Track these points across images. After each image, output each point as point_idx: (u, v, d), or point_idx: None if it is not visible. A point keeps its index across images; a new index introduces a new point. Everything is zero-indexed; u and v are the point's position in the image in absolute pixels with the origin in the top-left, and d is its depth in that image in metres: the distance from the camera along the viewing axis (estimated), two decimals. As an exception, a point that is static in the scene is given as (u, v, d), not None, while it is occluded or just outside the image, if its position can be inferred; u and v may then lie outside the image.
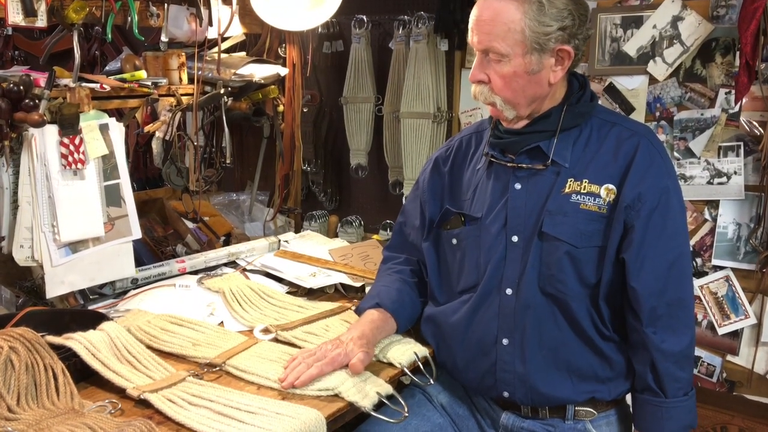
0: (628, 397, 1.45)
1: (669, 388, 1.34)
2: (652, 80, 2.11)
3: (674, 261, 1.34)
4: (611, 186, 1.35)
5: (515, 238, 1.39)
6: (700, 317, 2.11)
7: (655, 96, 2.12)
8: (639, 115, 2.14)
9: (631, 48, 2.13)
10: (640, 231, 1.32)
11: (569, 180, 1.37)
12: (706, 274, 2.09)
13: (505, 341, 1.40)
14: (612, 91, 2.18)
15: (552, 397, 1.39)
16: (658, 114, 2.12)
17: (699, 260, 2.10)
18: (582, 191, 1.36)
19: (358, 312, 1.58)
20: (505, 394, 1.42)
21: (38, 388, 1.19)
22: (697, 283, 2.10)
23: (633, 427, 1.45)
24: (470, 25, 1.37)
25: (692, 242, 2.10)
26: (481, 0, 1.35)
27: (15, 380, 1.17)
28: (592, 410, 1.41)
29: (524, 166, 1.41)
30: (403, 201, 2.36)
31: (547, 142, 1.39)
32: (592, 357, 1.38)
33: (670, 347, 1.33)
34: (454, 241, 1.50)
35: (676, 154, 2.09)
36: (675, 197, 1.36)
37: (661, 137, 2.11)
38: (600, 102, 2.18)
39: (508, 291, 1.39)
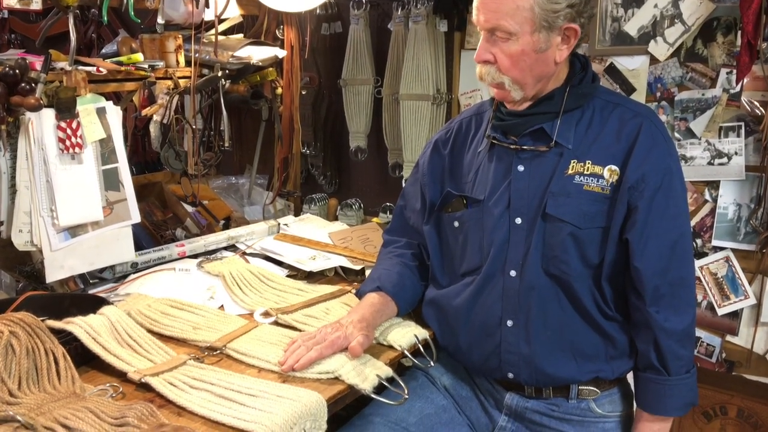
0: (629, 376, 1.46)
1: (671, 366, 1.35)
2: (653, 60, 2.09)
3: (677, 241, 1.35)
4: (614, 167, 1.35)
5: (518, 220, 1.39)
6: (699, 298, 2.12)
7: (656, 76, 2.10)
8: (640, 96, 2.13)
9: (632, 28, 2.11)
10: (643, 211, 1.32)
11: (572, 161, 1.37)
12: (706, 254, 2.09)
13: (509, 323, 1.40)
14: (613, 71, 2.16)
15: (556, 377, 1.40)
16: (658, 94, 2.10)
17: (699, 241, 2.10)
18: (585, 172, 1.36)
19: (359, 295, 1.58)
20: (510, 375, 1.43)
21: (39, 373, 1.20)
22: (697, 263, 2.10)
23: (635, 405, 1.46)
24: (475, 4, 1.35)
25: (692, 223, 2.10)
26: None
27: (16, 365, 1.17)
28: (595, 389, 1.42)
29: (527, 147, 1.40)
30: (403, 183, 2.36)
31: (550, 123, 1.38)
32: (596, 337, 1.39)
33: (672, 326, 1.34)
34: (456, 224, 1.50)
35: (676, 134, 2.08)
36: (677, 178, 1.37)
37: (662, 118, 2.10)
38: (601, 83, 2.17)
39: (512, 273, 1.39)
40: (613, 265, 1.36)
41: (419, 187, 1.61)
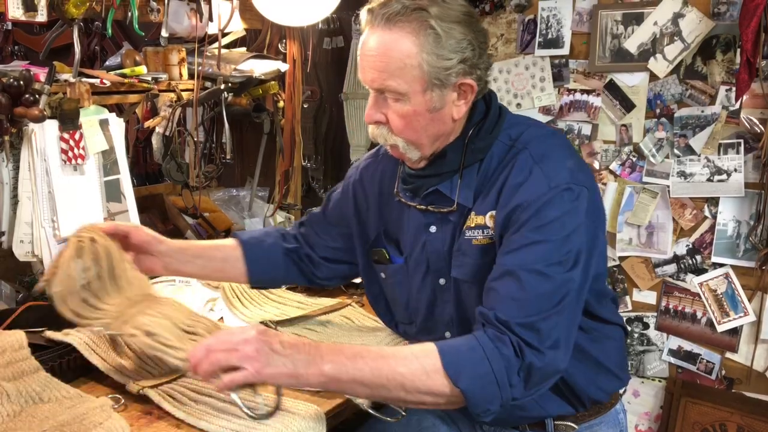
0: (626, 397, 1.41)
1: None
2: (653, 77, 2.11)
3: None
4: (492, 212, 1.22)
5: (442, 281, 1.32)
6: (699, 314, 2.12)
7: (656, 93, 2.12)
8: (639, 113, 2.14)
9: (631, 45, 2.13)
10: (512, 239, 1.18)
11: (471, 215, 1.26)
12: (706, 271, 2.09)
13: None
14: (612, 87, 2.18)
15: (523, 417, 1.33)
16: (658, 111, 2.12)
17: (699, 257, 2.10)
18: (472, 225, 1.25)
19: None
20: (480, 417, 1.39)
21: (117, 281, 1.27)
22: (696, 280, 2.11)
23: None
24: (359, 62, 1.22)
25: (692, 239, 2.10)
26: (368, 32, 1.20)
27: (96, 272, 1.26)
28: (572, 424, 1.34)
29: (432, 209, 1.30)
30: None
31: (447, 183, 1.27)
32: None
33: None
34: (383, 275, 1.43)
35: (676, 151, 2.09)
36: (553, 206, 1.17)
37: (662, 134, 2.11)
38: (600, 99, 2.19)
39: (447, 334, 1.34)
40: None
41: (351, 200, 1.48)
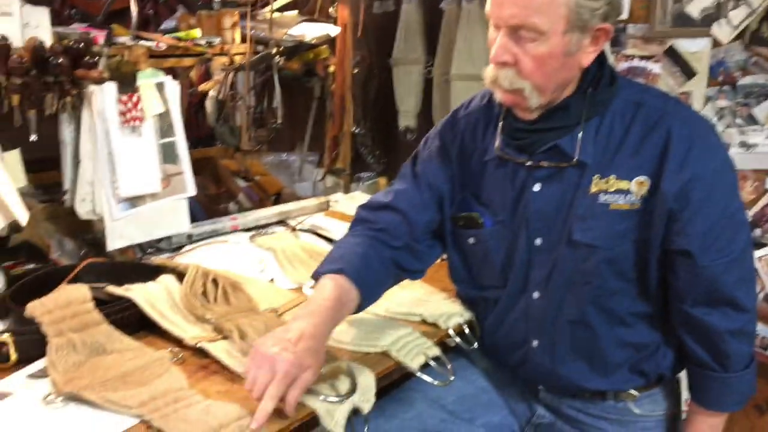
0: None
1: (729, 363, 1.26)
2: (716, 43, 2.03)
3: (732, 239, 1.22)
4: (643, 178, 1.20)
5: (539, 241, 1.29)
6: (758, 289, 2.06)
7: (719, 60, 2.04)
8: (701, 80, 2.07)
9: (694, 9, 2.04)
10: (693, 222, 1.19)
11: (595, 178, 1.22)
12: (765, 245, 2.03)
13: (534, 342, 1.34)
14: (673, 54, 2.10)
15: (587, 389, 1.35)
16: (720, 78, 2.04)
17: (758, 231, 2.04)
18: (610, 189, 1.21)
19: (314, 277, 1.30)
20: (540, 387, 1.40)
21: (226, 296, 1.46)
22: (755, 255, 2.05)
23: (682, 401, 1.42)
24: None
25: (752, 212, 2.04)
26: None
27: (212, 290, 1.46)
28: (633, 392, 1.35)
29: (544, 165, 1.26)
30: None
31: (568, 138, 1.23)
32: (629, 350, 1.31)
33: (729, 326, 1.24)
34: (472, 240, 1.39)
35: (738, 120, 2.02)
36: (725, 178, 1.22)
37: (723, 103, 2.04)
38: (659, 65, 2.12)
39: (535, 295, 1.32)
40: (651, 276, 1.25)
41: (439, 164, 1.40)
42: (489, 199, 1.35)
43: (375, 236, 1.36)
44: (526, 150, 1.28)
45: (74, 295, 1.32)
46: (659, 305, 1.29)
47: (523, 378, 1.44)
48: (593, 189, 1.22)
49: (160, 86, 1.75)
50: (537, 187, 1.27)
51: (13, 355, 1.22)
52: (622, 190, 1.21)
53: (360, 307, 1.29)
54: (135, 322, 1.36)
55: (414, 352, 1.34)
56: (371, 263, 1.31)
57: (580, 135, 1.22)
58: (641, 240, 1.22)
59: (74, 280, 1.48)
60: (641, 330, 1.31)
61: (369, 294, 1.29)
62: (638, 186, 1.20)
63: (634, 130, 1.21)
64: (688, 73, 2.08)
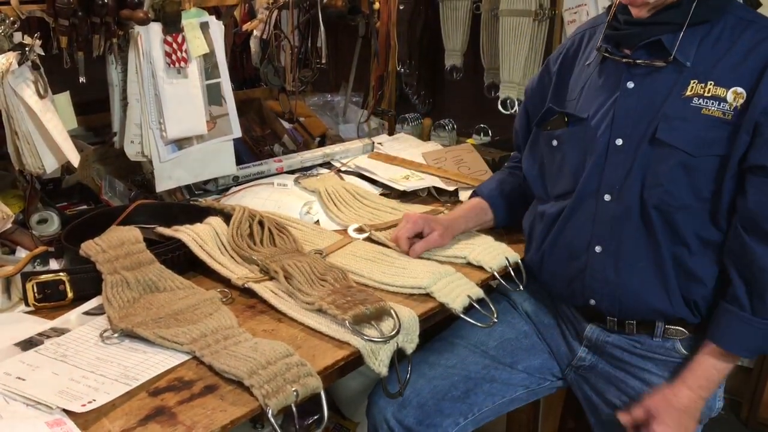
0: None
1: (757, 305, 1.23)
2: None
3: None
4: (740, 89, 1.21)
5: (619, 141, 1.29)
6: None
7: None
8: (765, 10, 1.94)
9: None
10: None
11: (692, 81, 1.24)
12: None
13: (598, 248, 1.33)
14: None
15: (641, 309, 1.33)
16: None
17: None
18: (705, 94, 1.23)
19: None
20: (592, 302, 1.37)
21: (273, 238, 1.50)
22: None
23: (707, 336, 1.34)
24: None
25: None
26: None
27: (258, 233, 1.50)
28: (683, 329, 1.33)
29: (641, 62, 1.28)
30: (499, 105, 2.30)
31: (671, 35, 1.25)
32: (692, 275, 1.29)
33: None
34: (555, 142, 1.42)
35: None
36: None
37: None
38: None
39: (607, 197, 1.31)
40: (724, 199, 1.24)
41: (524, 112, 1.57)
42: (581, 99, 1.39)
43: (511, 168, 1.67)
44: (627, 43, 1.31)
45: (126, 235, 1.35)
46: (722, 240, 1.27)
47: (572, 301, 1.43)
48: (688, 92, 1.24)
49: (204, 26, 1.73)
50: (630, 84, 1.30)
51: (70, 293, 1.27)
52: (718, 97, 1.22)
53: (497, 220, 1.62)
54: (184, 262, 1.40)
55: (456, 293, 1.34)
56: (504, 188, 1.63)
57: (681, 34, 1.24)
58: (724, 156, 1.22)
59: (125, 221, 1.53)
60: (701, 259, 1.28)
61: (500, 209, 1.62)
62: (734, 96, 1.21)
63: (741, 43, 1.23)
64: (752, 3, 1.95)
